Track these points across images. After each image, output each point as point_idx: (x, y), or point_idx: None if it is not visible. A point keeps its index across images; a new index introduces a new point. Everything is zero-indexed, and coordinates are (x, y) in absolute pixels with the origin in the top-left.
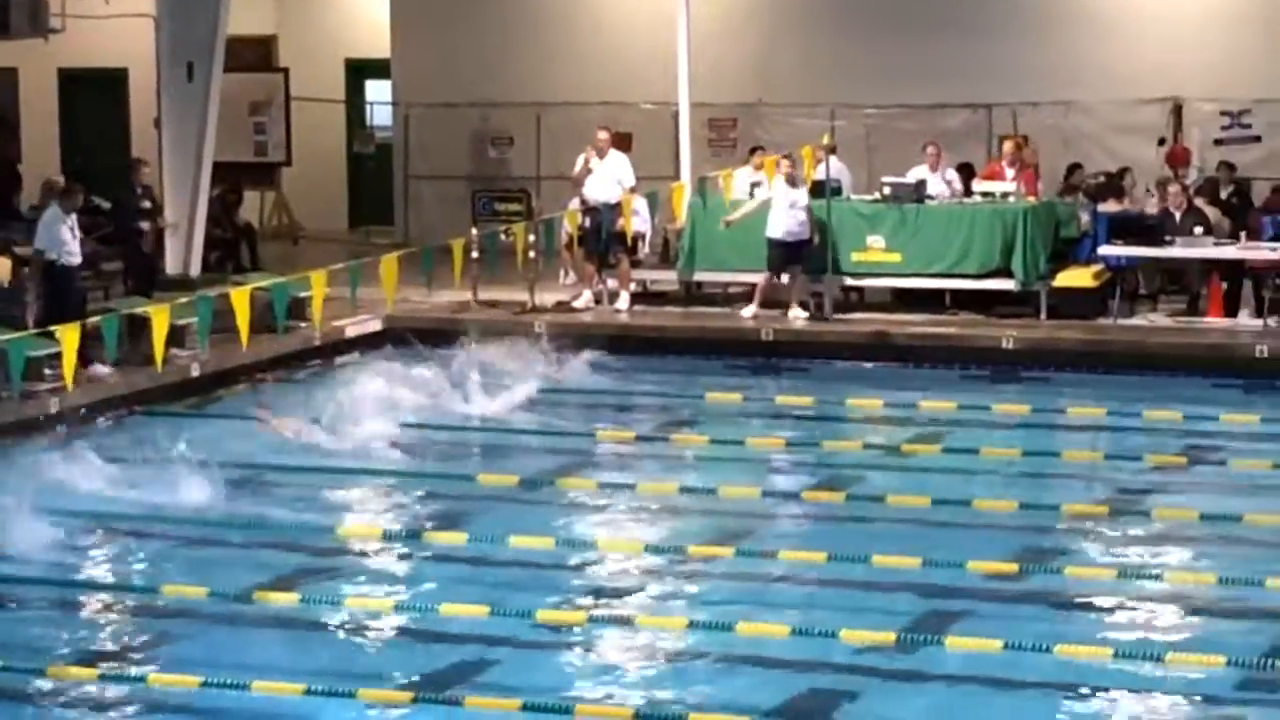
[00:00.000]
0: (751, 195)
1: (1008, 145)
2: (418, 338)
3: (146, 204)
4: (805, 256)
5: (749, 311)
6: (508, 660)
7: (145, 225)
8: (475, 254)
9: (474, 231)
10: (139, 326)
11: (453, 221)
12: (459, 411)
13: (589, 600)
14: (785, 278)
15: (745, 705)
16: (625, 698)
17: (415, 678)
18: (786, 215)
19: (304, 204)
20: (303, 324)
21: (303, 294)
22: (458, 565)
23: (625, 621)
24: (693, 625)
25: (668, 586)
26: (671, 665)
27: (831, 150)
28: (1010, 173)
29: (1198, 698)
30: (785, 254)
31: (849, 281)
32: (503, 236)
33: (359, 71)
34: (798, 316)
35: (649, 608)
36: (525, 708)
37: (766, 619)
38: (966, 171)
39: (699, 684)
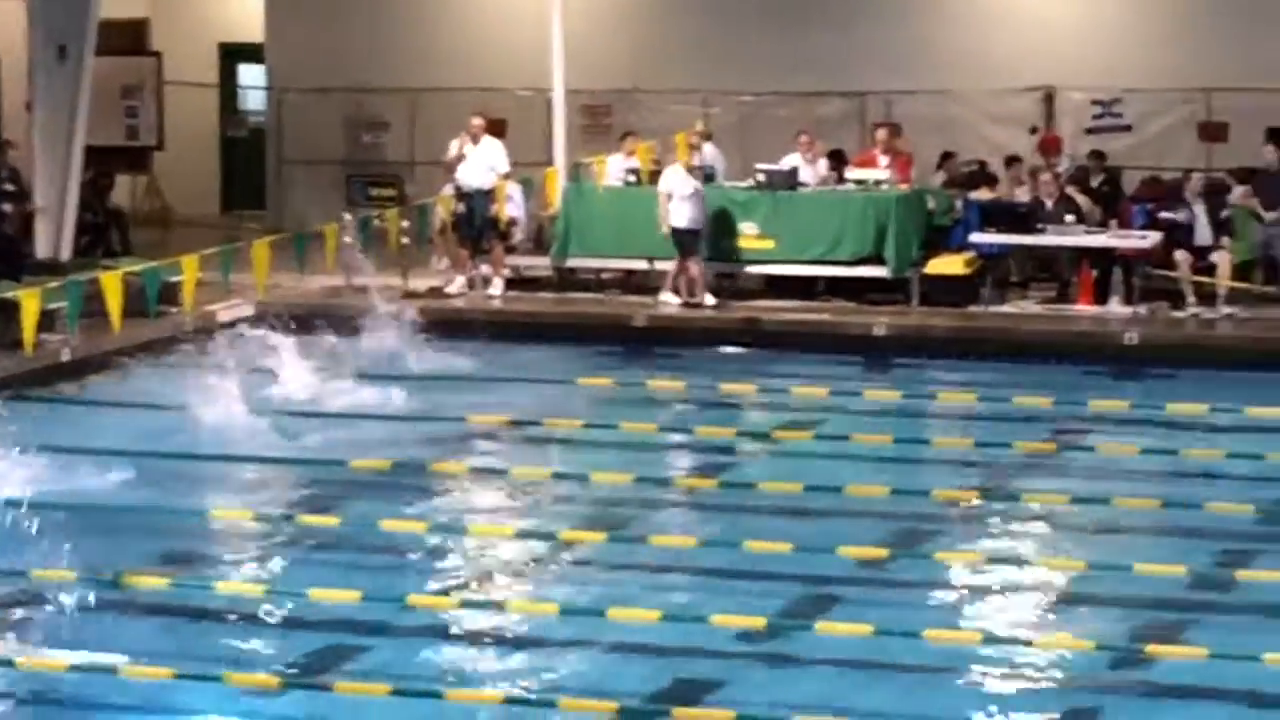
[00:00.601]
0: (625, 182)
1: (881, 133)
2: (290, 322)
3: (10, 186)
4: (703, 244)
5: (674, 300)
6: (378, 645)
7: (8, 207)
8: (348, 239)
9: (347, 216)
10: (7, 311)
11: (326, 206)
12: (331, 396)
13: (460, 585)
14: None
15: (616, 690)
16: (496, 682)
17: (285, 662)
18: (690, 203)
19: (176, 188)
20: (174, 309)
21: (174, 279)
22: (329, 550)
23: (496, 606)
24: (564, 610)
25: (539, 571)
26: (543, 650)
27: (706, 137)
28: (883, 160)
29: (1066, 682)
30: (690, 241)
31: (722, 268)
32: (376, 222)
33: (232, 55)
34: (710, 302)
35: (521, 593)
36: (395, 693)
37: (638, 604)
38: (838, 158)
39: (570, 669)
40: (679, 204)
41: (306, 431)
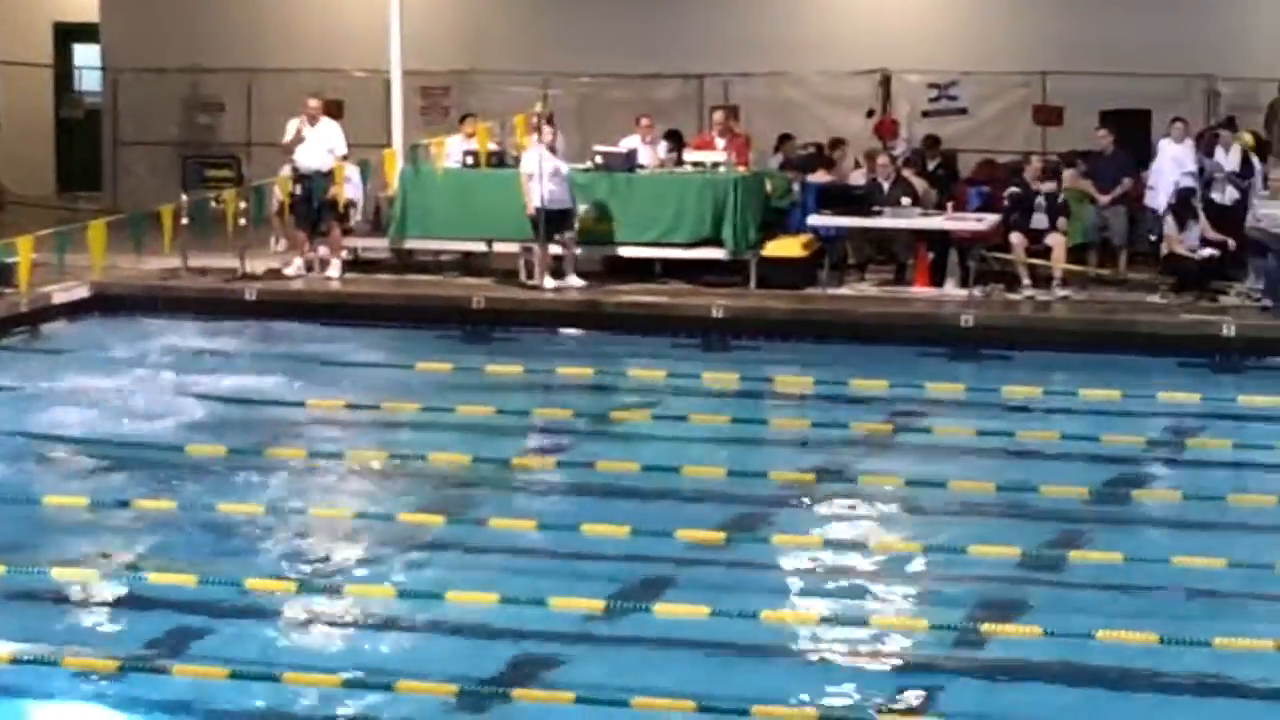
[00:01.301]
0: (464, 164)
1: (718, 115)
2: (127, 305)
3: None
4: (572, 223)
5: (548, 283)
6: (216, 628)
7: None
8: (185, 220)
9: (184, 198)
10: None
11: (162, 187)
12: (168, 379)
13: (298, 568)
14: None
15: (454, 673)
16: (334, 665)
17: (123, 645)
18: (549, 183)
19: (10, 169)
20: (8, 290)
21: (9, 260)
22: (167, 533)
23: (334, 590)
24: (402, 593)
25: (377, 554)
26: (381, 633)
27: (545, 119)
28: (720, 143)
29: (902, 662)
30: (554, 221)
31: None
32: (213, 203)
33: (67, 35)
34: (573, 285)
35: (358, 576)
36: (233, 676)
37: (476, 587)
38: (676, 139)
39: (408, 652)
40: (539, 184)
41: (142, 415)
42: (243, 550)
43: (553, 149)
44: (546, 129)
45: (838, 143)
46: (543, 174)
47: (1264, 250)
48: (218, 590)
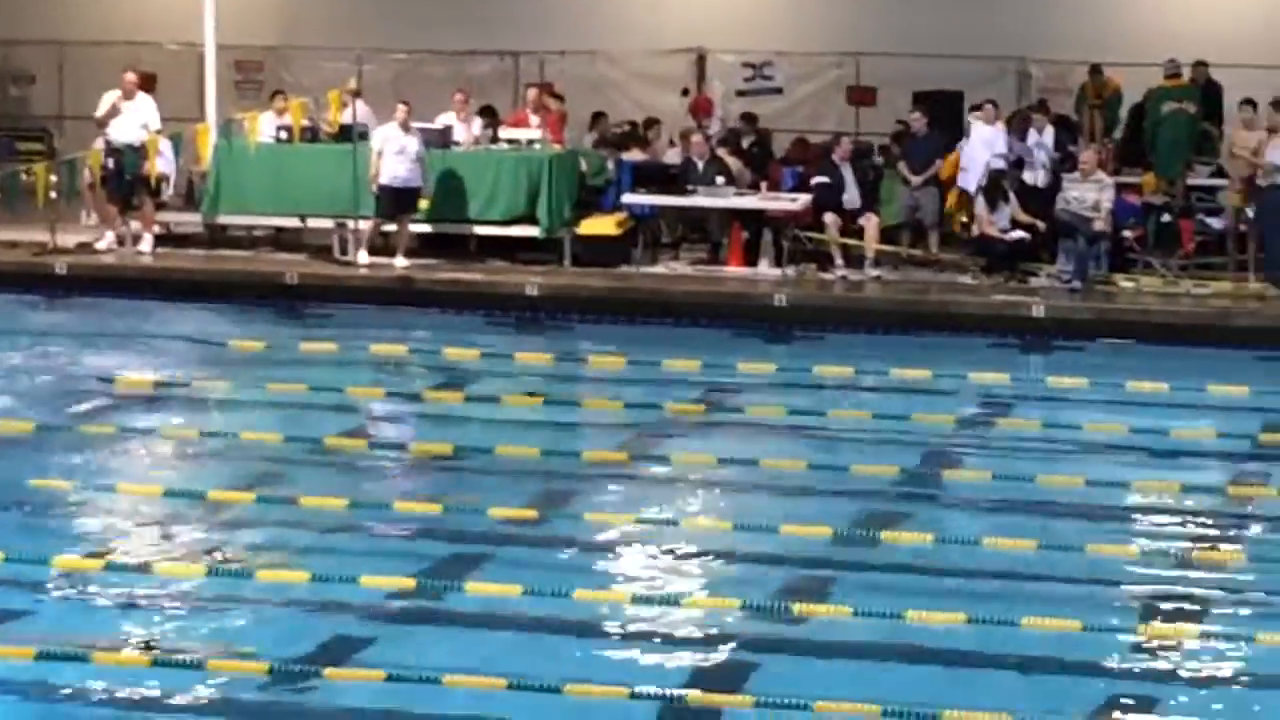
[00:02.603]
0: (277, 139)
1: (531, 93)
2: None
3: None
4: (416, 204)
5: (363, 259)
6: (24, 607)
7: None
8: None
9: None
10: None
11: None
12: None
13: (108, 545)
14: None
15: (265, 651)
16: (144, 644)
17: None
18: (395, 161)
19: None
20: None
21: None
22: None
23: (144, 566)
24: (212, 571)
25: (188, 531)
26: (191, 611)
27: (357, 94)
28: (535, 120)
29: (714, 641)
30: (396, 201)
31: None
32: (24, 176)
33: None
34: (397, 265)
35: (168, 552)
36: (40, 656)
37: (288, 564)
38: (490, 114)
39: (218, 629)
40: (386, 160)
41: None
42: (51, 528)
43: (405, 127)
44: (360, 104)
45: (652, 121)
46: (388, 151)
47: (1073, 232)
48: (24, 568)
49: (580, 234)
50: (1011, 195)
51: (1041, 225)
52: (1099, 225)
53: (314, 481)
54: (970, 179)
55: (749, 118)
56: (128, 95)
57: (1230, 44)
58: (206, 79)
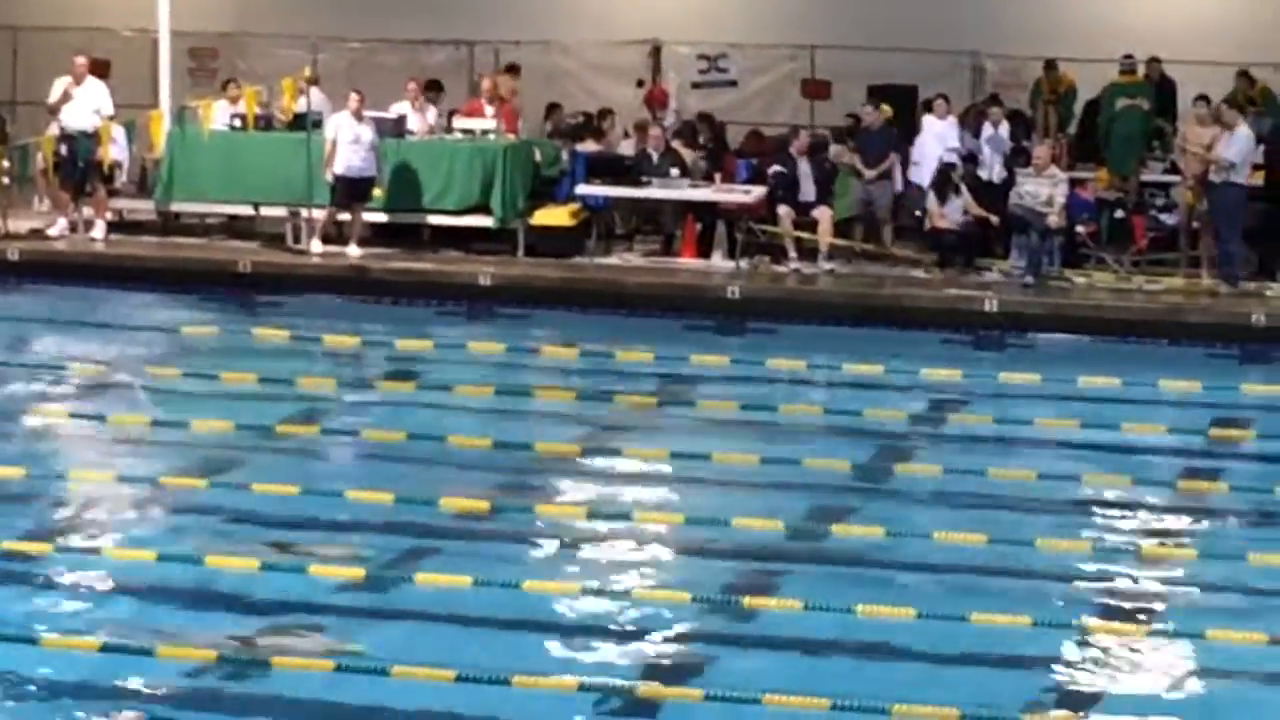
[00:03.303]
0: (231, 127)
1: (486, 83)
2: None
3: None
4: (369, 193)
5: (316, 248)
6: None
7: None
8: None
9: None
10: None
11: None
12: None
13: (58, 531)
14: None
15: (214, 639)
16: (94, 630)
17: None
18: (349, 150)
19: None
20: None
21: None
22: None
23: (94, 552)
24: (163, 557)
25: (139, 518)
26: (141, 597)
27: (313, 82)
28: (490, 110)
29: (665, 634)
30: (349, 190)
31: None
32: None
33: None
34: (350, 254)
35: (119, 539)
36: None
37: (238, 552)
38: (436, 89)
39: (169, 616)
40: (340, 149)
41: None
42: (1, 512)
43: (358, 116)
44: (315, 93)
45: (606, 112)
46: (341, 141)
47: (1026, 227)
48: None
49: (534, 224)
50: (963, 188)
51: (994, 219)
52: (1052, 220)
53: (265, 469)
54: (923, 173)
55: (705, 117)
56: (78, 80)
57: (1185, 40)
58: (161, 66)
